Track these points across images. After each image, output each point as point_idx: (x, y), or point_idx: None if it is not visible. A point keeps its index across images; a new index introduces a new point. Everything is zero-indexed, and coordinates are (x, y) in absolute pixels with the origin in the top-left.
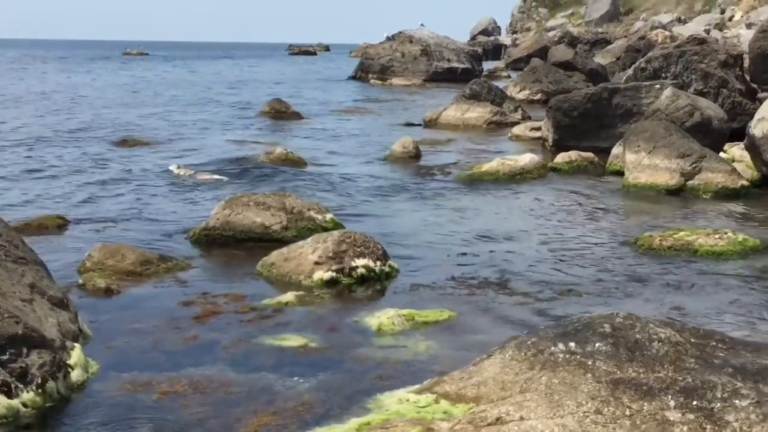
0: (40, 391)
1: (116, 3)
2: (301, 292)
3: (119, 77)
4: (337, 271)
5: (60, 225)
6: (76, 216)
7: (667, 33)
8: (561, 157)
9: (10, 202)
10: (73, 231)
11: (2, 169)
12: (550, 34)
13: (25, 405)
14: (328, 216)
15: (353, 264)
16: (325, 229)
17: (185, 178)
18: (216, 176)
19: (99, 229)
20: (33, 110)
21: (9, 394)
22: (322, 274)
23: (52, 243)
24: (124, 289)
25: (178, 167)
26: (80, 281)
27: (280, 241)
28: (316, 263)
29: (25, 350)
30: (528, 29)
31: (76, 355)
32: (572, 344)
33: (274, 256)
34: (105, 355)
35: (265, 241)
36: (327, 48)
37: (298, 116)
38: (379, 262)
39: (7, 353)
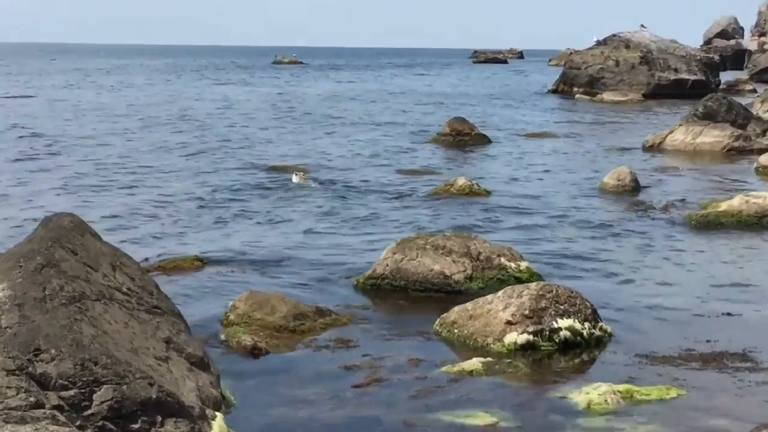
0: None
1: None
2: (488, 359)
3: (279, 88)
4: (534, 333)
5: (198, 267)
6: (217, 256)
7: None
8: None
9: (141, 235)
10: (214, 275)
11: (131, 198)
12: None
13: None
14: (523, 264)
15: (555, 325)
16: (520, 281)
17: (305, 186)
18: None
19: (243, 273)
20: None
21: None
22: (516, 336)
23: (189, 289)
24: (273, 348)
25: (297, 175)
26: (223, 337)
27: (462, 294)
28: (509, 323)
29: (159, 418)
30: None
31: (217, 426)
32: None
33: (456, 312)
34: (250, 428)
35: (445, 293)
36: (520, 55)
37: (484, 139)
38: (587, 324)
39: (139, 421)
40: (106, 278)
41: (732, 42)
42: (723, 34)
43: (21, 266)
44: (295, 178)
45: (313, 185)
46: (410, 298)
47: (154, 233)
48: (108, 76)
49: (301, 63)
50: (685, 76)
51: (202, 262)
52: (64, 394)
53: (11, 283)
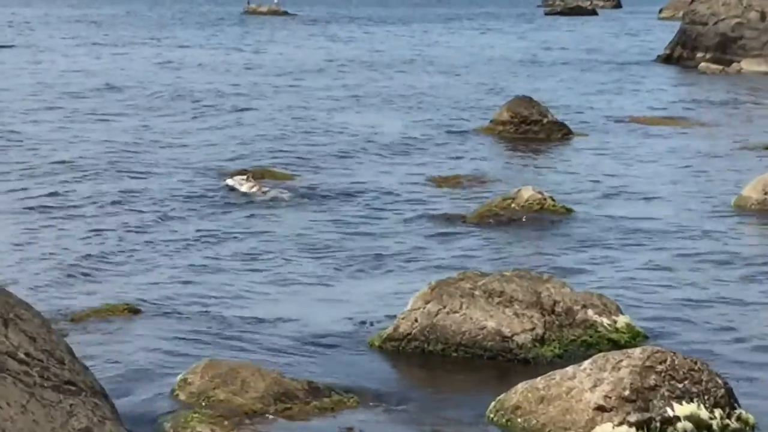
0: None
1: None
2: None
3: (249, 54)
4: (638, 425)
5: (130, 319)
6: (158, 303)
7: None
8: None
9: (41, 271)
10: (154, 332)
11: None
12: None
13: None
14: (622, 319)
15: (669, 412)
16: (616, 345)
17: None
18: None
19: (198, 330)
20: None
21: None
22: (612, 429)
23: (118, 354)
24: None
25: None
26: (168, 428)
27: (530, 364)
28: (600, 409)
29: None
30: None
31: None
32: None
33: (521, 392)
34: None
35: (504, 361)
36: (617, 3)
37: (561, 130)
38: (718, 411)
39: None
40: None
41: None
42: None
43: None
44: (240, 185)
45: (286, 197)
46: (450, 369)
47: (62, 267)
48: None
49: (286, 13)
50: None
51: (136, 312)
52: None
53: None
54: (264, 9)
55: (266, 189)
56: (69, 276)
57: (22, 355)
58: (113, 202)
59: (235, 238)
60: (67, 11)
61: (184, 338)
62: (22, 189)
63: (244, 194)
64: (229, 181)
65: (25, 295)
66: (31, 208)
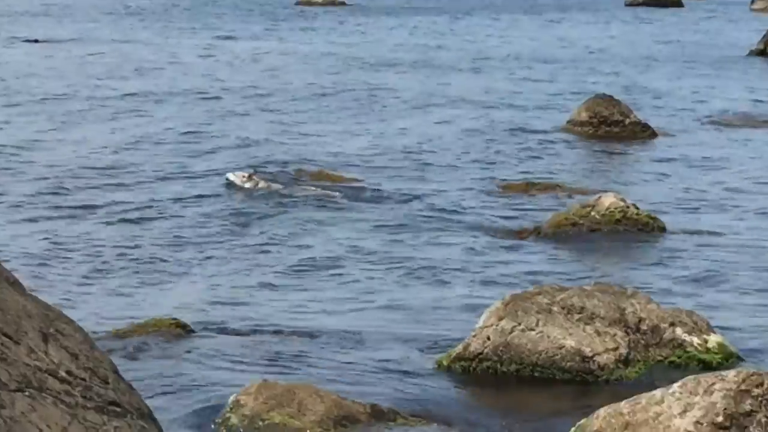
0: None
1: None
2: None
3: (319, 45)
4: None
5: (178, 336)
6: (206, 318)
7: None
8: None
9: (79, 283)
10: (203, 349)
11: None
12: None
13: None
14: (713, 338)
15: None
16: (707, 366)
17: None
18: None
19: (250, 348)
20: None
21: None
22: None
23: (165, 373)
24: None
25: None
26: None
27: (612, 386)
28: None
29: None
30: None
31: None
32: None
33: (603, 417)
34: None
35: (584, 383)
36: None
37: (645, 131)
38: None
39: None
40: (33, 355)
41: None
42: None
43: None
44: (244, 181)
45: (340, 200)
46: (525, 391)
47: (102, 280)
48: (33, 20)
49: (343, 3)
50: None
51: (183, 327)
52: None
53: None
54: None
55: (264, 184)
56: (111, 288)
57: (63, 374)
58: (158, 208)
59: (287, 247)
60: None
61: (235, 356)
62: (54, 194)
63: (296, 200)
64: (230, 176)
65: (63, 308)
66: (72, 216)
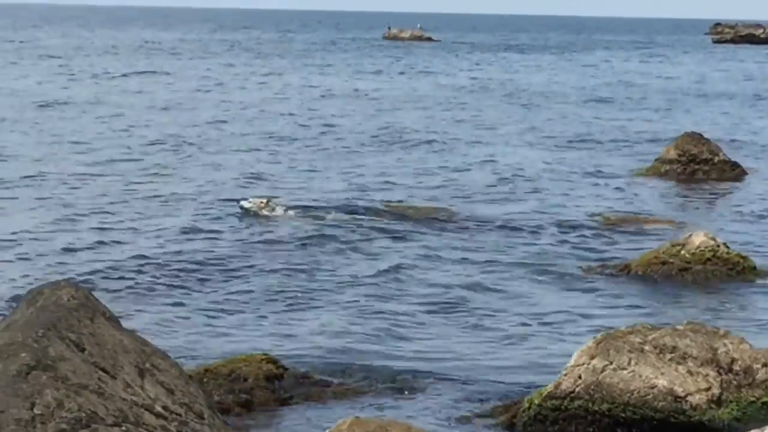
0: None
1: None
2: None
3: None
4: None
5: (268, 373)
6: (295, 354)
7: None
8: None
9: (163, 315)
10: (296, 386)
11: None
12: None
13: None
14: None
15: None
16: None
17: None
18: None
19: (343, 383)
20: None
21: None
22: None
23: (256, 403)
24: None
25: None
26: None
27: (706, 428)
28: None
29: None
30: None
31: None
32: None
33: None
34: None
35: (676, 424)
36: None
37: (734, 169)
38: None
39: None
40: (129, 389)
41: None
42: None
43: None
44: (259, 207)
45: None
46: (617, 431)
47: (188, 314)
48: (173, 59)
49: (430, 39)
50: None
51: (274, 362)
52: None
53: None
54: (406, 34)
55: (279, 212)
56: (200, 324)
57: (159, 409)
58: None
59: (384, 282)
60: (216, 34)
61: (328, 391)
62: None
63: (389, 235)
64: (245, 203)
65: (157, 343)
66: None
